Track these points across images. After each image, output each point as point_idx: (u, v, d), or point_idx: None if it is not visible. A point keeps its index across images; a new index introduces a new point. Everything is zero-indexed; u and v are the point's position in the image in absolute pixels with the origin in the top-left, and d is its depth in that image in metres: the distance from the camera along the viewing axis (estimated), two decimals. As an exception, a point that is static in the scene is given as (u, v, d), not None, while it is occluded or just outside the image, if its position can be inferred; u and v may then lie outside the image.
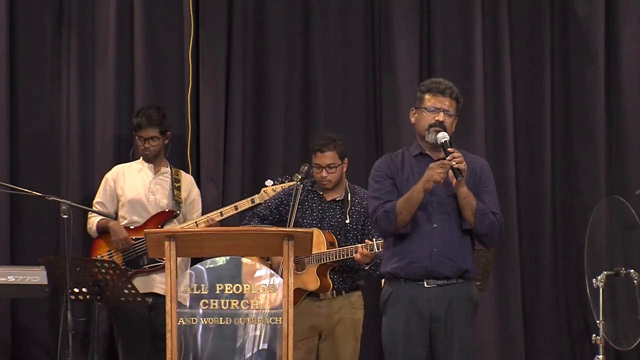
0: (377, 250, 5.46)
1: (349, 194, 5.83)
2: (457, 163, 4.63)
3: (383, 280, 5.63)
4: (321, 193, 5.84)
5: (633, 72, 6.95)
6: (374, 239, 5.51)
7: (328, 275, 5.68)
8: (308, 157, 6.58)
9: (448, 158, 4.66)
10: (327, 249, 5.64)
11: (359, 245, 5.55)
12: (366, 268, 5.62)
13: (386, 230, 4.77)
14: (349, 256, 5.57)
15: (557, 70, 7.03)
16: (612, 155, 6.97)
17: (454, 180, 4.67)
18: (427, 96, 4.82)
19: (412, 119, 4.89)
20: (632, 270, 6.14)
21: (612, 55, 7.00)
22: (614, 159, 6.96)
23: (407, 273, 4.76)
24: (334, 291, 5.71)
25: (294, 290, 5.55)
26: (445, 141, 4.70)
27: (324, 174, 5.76)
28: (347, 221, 5.76)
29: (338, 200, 5.83)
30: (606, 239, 6.55)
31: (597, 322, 6.13)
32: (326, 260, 5.61)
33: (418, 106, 4.85)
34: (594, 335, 6.19)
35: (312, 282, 5.66)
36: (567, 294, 6.94)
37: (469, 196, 4.69)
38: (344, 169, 5.83)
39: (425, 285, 4.74)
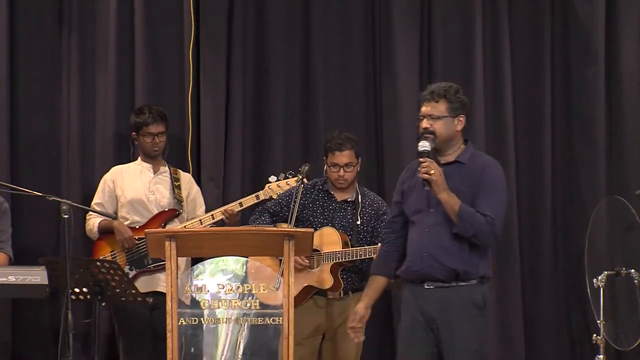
0: None
1: (360, 196, 5.83)
2: (422, 174, 4.71)
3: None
4: (332, 193, 5.84)
5: (633, 72, 6.96)
6: None
7: (339, 275, 5.69)
8: (309, 156, 6.61)
9: (418, 168, 4.73)
10: (342, 248, 5.65)
11: (380, 245, 5.55)
12: None
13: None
14: (367, 256, 5.57)
15: (557, 70, 7.04)
16: (612, 155, 6.98)
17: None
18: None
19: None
20: (632, 270, 6.14)
21: (612, 55, 7.00)
22: (614, 159, 6.97)
23: (408, 276, 4.83)
24: (342, 291, 5.72)
25: (303, 289, 5.58)
26: (422, 150, 4.75)
27: (342, 172, 5.76)
28: (358, 222, 5.76)
29: (349, 201, 5.84)
30: (606, 239, 6.55)
31: (598, 322, 6.13)
32: (342, 259, 5.61)
33: None
34: (594, 335, 6.20)
35: (327, 280, 5.67)
36: (567, 294, 6.95)
37: (449, 201, 4.71)
38: (358, 169, 5.84)
39: (425, 287, 4.78)
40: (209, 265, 4.80)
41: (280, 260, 5.43)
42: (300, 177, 5.74)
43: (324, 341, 5.77)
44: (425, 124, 4.80)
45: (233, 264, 4.81)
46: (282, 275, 4.73)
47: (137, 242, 6.03)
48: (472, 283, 4.78)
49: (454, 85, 4.92)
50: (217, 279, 4.77)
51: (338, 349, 5.74)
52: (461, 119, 4.84)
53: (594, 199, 6.79)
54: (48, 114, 6.67)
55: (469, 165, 4.83)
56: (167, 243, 4.60)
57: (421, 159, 4.72)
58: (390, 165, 6.82)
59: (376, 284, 4.95)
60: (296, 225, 5.62)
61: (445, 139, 4.81)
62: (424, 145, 4.74)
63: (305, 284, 5.66)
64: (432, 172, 4.68)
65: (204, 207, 6.24)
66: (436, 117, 4.80)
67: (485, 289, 4.85)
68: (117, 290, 5.48)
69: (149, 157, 6.23)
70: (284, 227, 5.68)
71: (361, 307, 4.91)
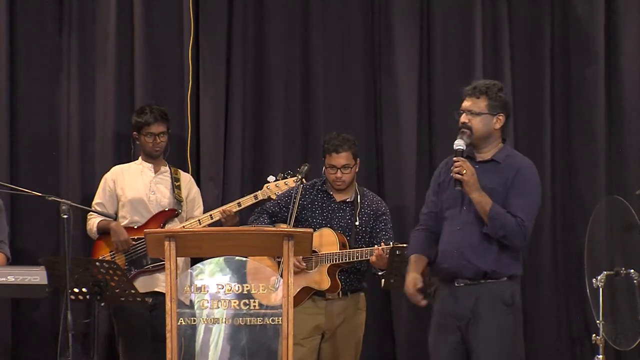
0: (397, 253, 5.46)
1: (359, 196, 5.83)
2: (454, 173, 4.72)
3: (382, 280, 5.66)
4: (331, 193, 5.84)
5: (633, 72, 6.95)
6: (392, 243, 5.51)
7: (337, 276, 5.69)
8: (309, 157, 6.61)
9: (451, 167, 4.74)
10: (340, 249, 5.64)
11: (376, 247, 5.54)
12: (379, 273, 5.60)
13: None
14: (364, 258, 5.56)
15: (557, 70, 7.03)
16: (612, 155, 6.97)
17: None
18: None
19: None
20: (632, 271, 6.13)
21: (612, 55, 7.00)
22: (614, 159, 6.96)
23: (439, 273, 4.87)
24: (340, 292, 5.72)
25: (302, 289, 5.58)
26: (457, 149, 4.76)
27: (339, 174, 5.76)
28: (357, 223, 5.76)
29: (348, 202, 5.83)
30: (606, 239, 6.54)
31: (597, 322, 6.12)
32: (339, 260, 5.61)
33: None
34: (594, 335, 6.19)
35: (324, 281, 5.67)
36: (567, 294, 6.94)
37: (480, 201, 4.74)
38: (356, 170, 5.84)
39: (455, 284, 4.80)
40: (208, 265, 4.80)
41: (279, 261, 5.43)
42: (300, 177, 5.74)
43: (323, 341, 5.77)
44: (463, 118, 4.83)
45: (232, 264, 4.81)
46: (281, 275, 4.73)
47: (134, 243, 6.03)
48: (501, 280, 4.80)
49: (498, 83, 4.96)
50: (216, 279, 4.76)
51: (337, 349, 5.74)
52: (500, 117, 4.86)
53: (594, 199, 6.78)
54: (48, 114, 6.68)
55: (504, 165, 4.85)
56: (166, 243, 4.60)
57: (455, 158, 4.74)
58: (390, 166, 6.82)
59: (421, 262, 4.91)
60: (295, 226, 5.62)
61: (482, 136, 4.84)
62: (459, 144, 4.76)
63: (303, 285, 5.66)
64: (464, 172, 4.69)
65: (202, 208, 6.24)
66: (475, 113, 4.83)
67: (514, 286, 4.87)
68: (117, 291, 5.49)
69: (151, 157, 6.23)
70: (283, 227, 5.68)
71: (414, 278, 4.84)
